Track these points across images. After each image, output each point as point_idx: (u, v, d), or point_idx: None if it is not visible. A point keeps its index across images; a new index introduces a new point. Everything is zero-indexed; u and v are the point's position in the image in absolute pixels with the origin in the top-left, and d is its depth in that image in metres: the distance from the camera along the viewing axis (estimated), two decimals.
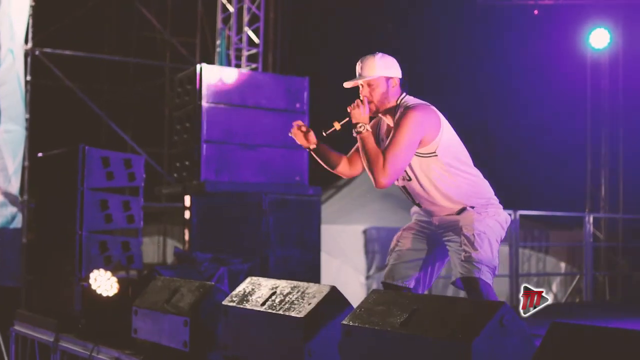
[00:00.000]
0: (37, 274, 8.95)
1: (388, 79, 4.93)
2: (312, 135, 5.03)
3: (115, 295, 6.78)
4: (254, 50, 12.44)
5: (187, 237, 9.67)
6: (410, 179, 4.94)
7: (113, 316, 6.66)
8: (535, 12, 14.57)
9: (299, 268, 9.41)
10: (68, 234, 7.85)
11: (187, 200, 9.80)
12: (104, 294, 6.80)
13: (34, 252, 9.81)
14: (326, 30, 16.39)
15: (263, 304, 4.90)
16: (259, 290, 5.09)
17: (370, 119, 4.94)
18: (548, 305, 13.71)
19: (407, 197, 5.13)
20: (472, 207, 4.93)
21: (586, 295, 12.95)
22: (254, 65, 12.36)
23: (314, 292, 4.67)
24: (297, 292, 4.78)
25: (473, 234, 4.80)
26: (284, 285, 4.97)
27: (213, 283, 5.91)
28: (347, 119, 4.82)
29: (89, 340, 6.58)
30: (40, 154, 8.72)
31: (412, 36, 16.53)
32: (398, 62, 5.00)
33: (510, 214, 5.35)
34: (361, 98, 4.90)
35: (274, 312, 4.75)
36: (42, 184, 8.97)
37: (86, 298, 6.96)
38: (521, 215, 12.42)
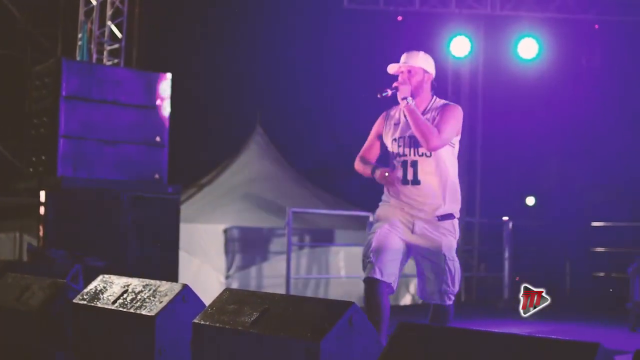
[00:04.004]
0: None
1: (425, 72, 5.80)
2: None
3: None
4: (116, 45, 12.24)
5: (41, 233, 9.43)
6: (430, 155, 5.59)
7: None
8: (399, 18, 14.79)
9: (156, 266, 9.30)
10: None
11: (43, 195, 9.56)
12: None
13: None
14: (190, 27, 16.24)
15: (114, 302, 4.83)
16: (110, 288, 5.02)
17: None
18: (405, 306, 13.76)
19: (401, 173, 5.65)
20: (453, 216, 5.62)
21: None
22: (115, 60, 12.16)
23: (166, 291, 4.63)
24: (149, 290, 4.73)
25: (454, 267, 5.54)
26: (136, 283, 4.90)
27: (65, 281, 5.80)
28: (396, 89, 5.66)
29: None
30: None
31: (275, 37, 16.52)
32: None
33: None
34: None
35: (124, 310, 4.69)
36: None
37: None
38: None
